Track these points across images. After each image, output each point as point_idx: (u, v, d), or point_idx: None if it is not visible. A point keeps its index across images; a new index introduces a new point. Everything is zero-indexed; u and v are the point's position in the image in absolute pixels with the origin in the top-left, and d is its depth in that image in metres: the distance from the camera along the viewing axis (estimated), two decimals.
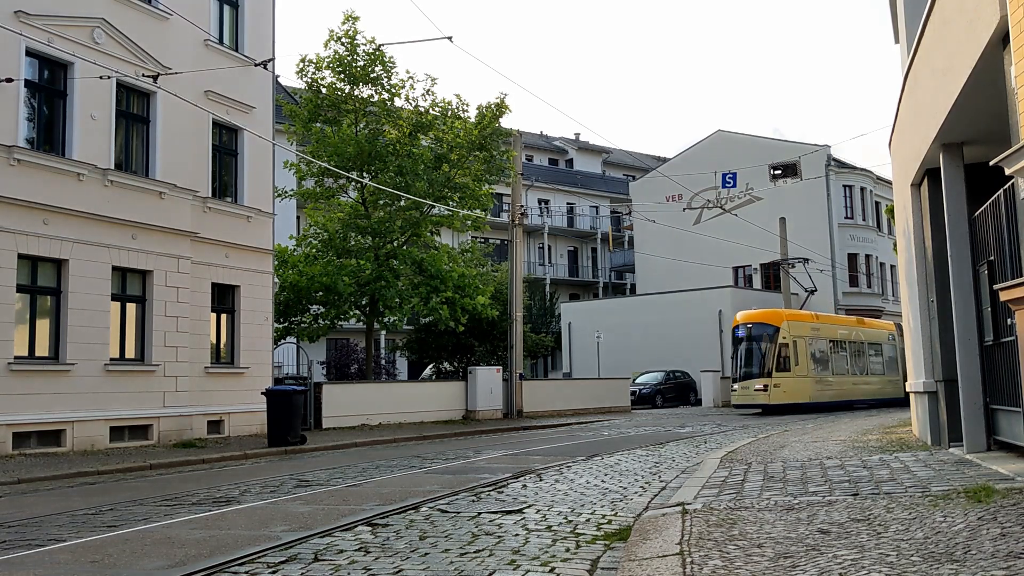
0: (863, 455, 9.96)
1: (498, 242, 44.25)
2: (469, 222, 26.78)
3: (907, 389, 13.84)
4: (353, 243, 24.94)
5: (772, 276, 43.27)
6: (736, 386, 29.47)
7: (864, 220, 46.31)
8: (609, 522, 6.64)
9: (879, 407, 30.85)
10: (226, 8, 20.30)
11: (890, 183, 18.75)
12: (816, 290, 34.73)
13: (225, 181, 20.04)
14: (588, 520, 6.76)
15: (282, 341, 24.30)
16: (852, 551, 4.52)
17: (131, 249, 16.73)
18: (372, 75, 24.86)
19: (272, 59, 20.01)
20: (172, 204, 17.64)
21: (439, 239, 28.16)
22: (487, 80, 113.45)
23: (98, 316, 15.99)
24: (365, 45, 24.74)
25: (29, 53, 15.32)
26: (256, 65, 19.04)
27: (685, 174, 42.27)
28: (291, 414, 16.59)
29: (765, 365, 28.71)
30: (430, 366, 33.70)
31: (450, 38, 16.88)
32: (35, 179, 15.08)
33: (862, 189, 46.46)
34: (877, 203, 47.09)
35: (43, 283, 15.45)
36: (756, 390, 28.42)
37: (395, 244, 25.05)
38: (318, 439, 17.96)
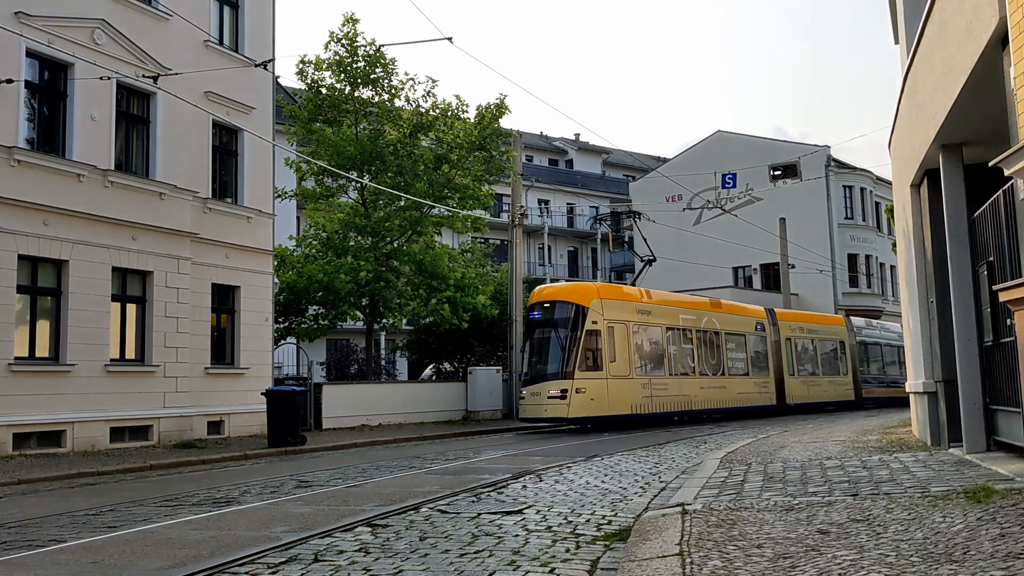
0: (863, 455, 9.97)
1: (498, 242, 44.26)
2: (469, 222, 26.80)
3: (907, 389, 13.82)
4: (353, 243, 24.96)
5: (772, 276, 43.28)
6: (524, 391, 21.32)
7: (864, 220, 46.32)
8: (609, 523, 6.65)
9: (742, 418, 24.99)
10: (226, 9, 20.32)
11: (890, 183, 18.77)
12: (655, 259, 26.19)
13: (225, 182, 20.06)
14: (588, 521, 6.76)
15: (282, 341, 24.31)
16: (851, 551, 4.53)
17: (131, 250, 16.73)
18: (372, 77, 24.89)
19: (272, 59, 20.02)
20: (172, 205, 17.64)
21: (439, 239, 28.17)
22: (487, 81, 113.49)
23: (98, 317, 16.00)
24: (365, 47, 24.77)
25: (29, 54, 15.34)
26: (256, 66, 19.05)
27: (685, 174, 42.29)
28: (291, 415, 16.60)
29: (565, 361, 20.65)
30: (430, 366, 33.69)
31: (450, 39, 16.89)
32: (35, 180, 15.08)
33: (862, 189, 46.48)
34: (877, 203, 47.11)
35: (43, 284, 15.46)
36: (550, 397, 20.39)
37: (395, 244, 25.06)
38: (318, 439, 17.97)
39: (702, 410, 24.25)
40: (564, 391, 20.36)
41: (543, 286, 23.25)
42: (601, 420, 20.93)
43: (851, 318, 34.60)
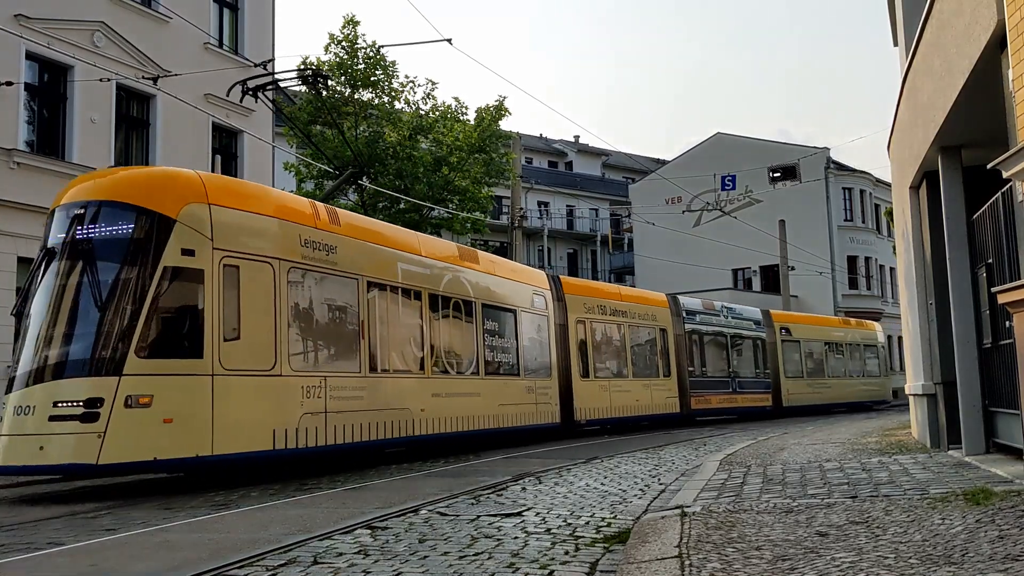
0: (862, 457, 9.97)
1: (498, 244, 44.29)
2: (469, 224, 26.83)
3: (907, 391, 13.81)
4: None
5: (772, 278, 43.31)
6: (3, 403, 9.86)
7: (864, 223, 46.40)
8: (608, 525, 6.64)
9: (507, 444, 16.10)
10: (226, 11, 20.36)
11: (889, 186, 18.79)
12: (362, 172, 18.66)
13: None
14: (587, 523, 6.75)
15: None
16: (850, 553, 4.52)
17: None
18: (372, 79, 24.94)
19: (272, 61, 20.05)
20: None
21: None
22: (486, 82, 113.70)
23: None
24: (366, 49, 24.83)
25: (29, 56, 15.37)
26: (255, 67, 19.08)
27: (684, 176, 42.36)
28: None
29: (104, 335, 9.53)
30: None
31: (449, 40, 16.89)
32: (35, 182, 15.09)
33: (861, 192, 46.57)
34: (877, 206, 47.20)
35: None
36: (57, 418, 9.17)
37: None
38: None
39: (435, 435, 13.98)
40: (95, 403, 9.20)
41: (83, 178, 11.00)
42: (196, 465, 9.89)
43: (679, 298, 25.75)
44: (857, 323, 36.21)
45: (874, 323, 37.54)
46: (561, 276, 21.56)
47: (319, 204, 12.73)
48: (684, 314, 24.94)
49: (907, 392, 13.72)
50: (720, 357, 26.72)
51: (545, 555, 5.55)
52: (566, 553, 5.60)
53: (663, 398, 22.82)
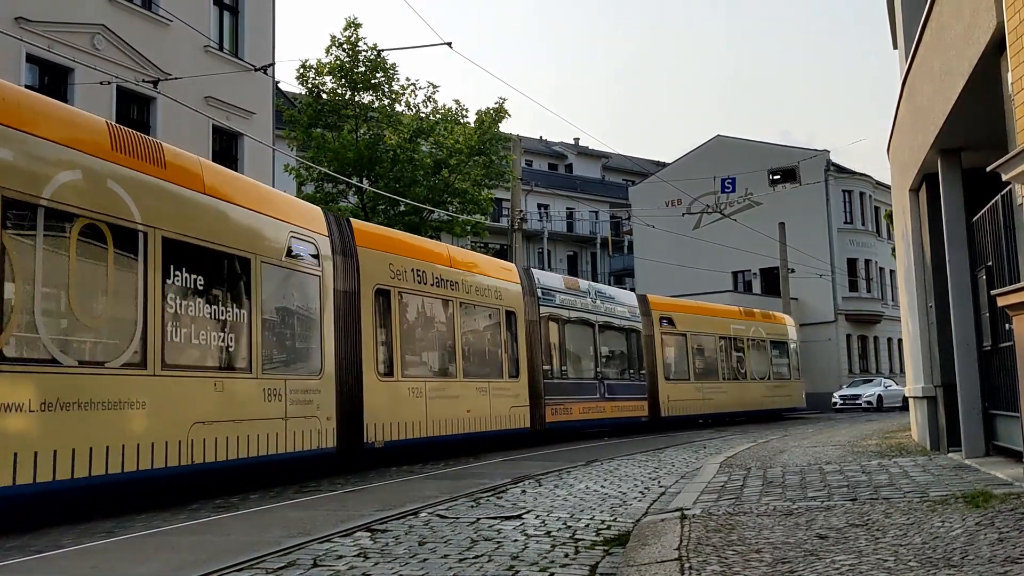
0: (862, 460, 9.97)
1: (498, 247, 44.29)
2: (469, 227, 26.85)
3: (907, 394, 13.81)
4: None
5: (772, 281, 43.30)
6: None
7: (863, 225, 46.42)
8: (608, 527, 6.64)
9: (211, 491, 9.69)
10: (226, 14, 20.39)
11: (889, 188, 18.81)
12: None
13: None
14: (587, 526, 6.76)
15: None
16: (850, 556, 4.53)
17: None
18: (373, 82, 24.99)
19: (272, 64, 20.08)
20: None
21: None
22: (486, 85, 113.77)
23: None
24: (367, 51, 24.87)
25: (30, 59, 15.38)
26: (256, 70, 19.12)
27: (684, 179, 42.37)
28: None
29: None
30: None
31: (449, 44, 16.90)
32: None
33: (861, 194, 46.60)
34: (876, 208, 47.23)
35: None
36: None
37: None
38: None
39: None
40: None
41: None
42: None
43: (534, 272, 19.71)
44: (763, 315, 30.75)
45: (784, 316, 32.81)
46: (354, 220, 14.11)
47: None
48: (540, 293, 18.75)
49: (907, 394, 13.73)
50: (586, 353, 20.58)
51: (545, 558, 5.55)
52: (566, 556, 5.60)
53: (507, 408, 16.61)
